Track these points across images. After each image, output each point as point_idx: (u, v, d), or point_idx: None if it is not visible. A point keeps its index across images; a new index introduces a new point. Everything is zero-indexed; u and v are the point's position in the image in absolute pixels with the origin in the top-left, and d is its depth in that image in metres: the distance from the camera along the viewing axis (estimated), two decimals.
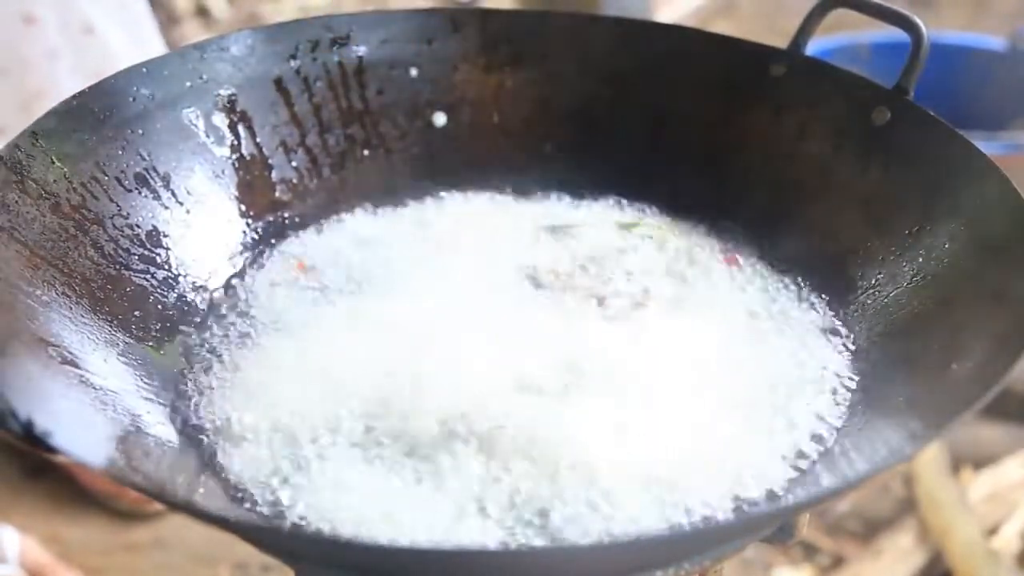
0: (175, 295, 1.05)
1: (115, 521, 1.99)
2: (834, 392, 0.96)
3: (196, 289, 1.06)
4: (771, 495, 0.87)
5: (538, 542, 0.82)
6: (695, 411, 0.92)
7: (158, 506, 1.97)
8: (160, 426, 0.92)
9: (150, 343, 1.00)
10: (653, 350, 0.98)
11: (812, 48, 1.14)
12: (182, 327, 1.03)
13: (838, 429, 0.93)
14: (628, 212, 1.17)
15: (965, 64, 2.54)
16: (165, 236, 1.07)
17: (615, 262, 1.09)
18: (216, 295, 1.07)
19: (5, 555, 1.76)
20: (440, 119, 1.21)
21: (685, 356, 0.98)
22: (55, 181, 0.99)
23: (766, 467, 0.89)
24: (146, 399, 0.94)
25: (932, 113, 1.05)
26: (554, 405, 0.91)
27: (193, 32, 3.22)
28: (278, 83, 1.17)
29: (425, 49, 1.21)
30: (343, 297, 1.06)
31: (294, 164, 1.17)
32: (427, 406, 0.90)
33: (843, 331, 1.02)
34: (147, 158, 1.08)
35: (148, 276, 1.04)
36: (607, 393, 0.92)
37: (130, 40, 1.96)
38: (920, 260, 1.00)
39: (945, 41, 2.55)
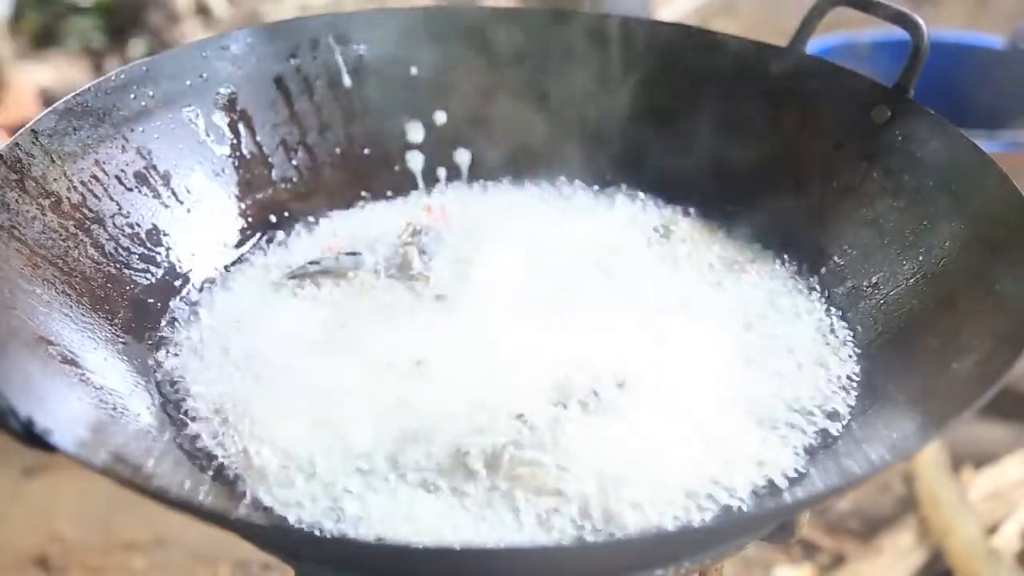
0: (175, 294, 1.05)
1: (114, 520, 1.99)
2: (835, 391, 0.96)
3: (197, 288, 1.06)
4: (775, 494, 0.87)
5: None
6: (707, 418, 0.92)
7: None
8: (160, 425, 0.92)
9: (150, 342, 1.00)
10: (668, 355, 0.98)
11: (812, 47, 1.14)
12: (182, 327, 1.03)
13: (839, 428, 0.93)
14: (630, 207, 1.17)
15: (965, 62, 2.53)
16: (165, 235, 1.07)
17: (623, 262, 1.09)
18: (217, 295, 1.06)
19: None
20: (440, 117, 1.21)
21: (697, 361, 0.98)
22: (55, 180, 0.99)
23: (771, 468, 0.89)
24: (145, 398, 0.94)
25: (933, 111, 1.05)
26: (579, 416, 0.91)
27: (193, 31, 3.22)
28: (278, 82, 1.17)
29: (425, 47, 1.21)
30: (346, 300, 1.06)
31: (295, 163, 1.17)
32: (445, 425, 0.90)
33: (845, 331, 1.02)
34: (147, 156, 1.08)
35: (148, 275, 1.04)
36: (626, 403, 0.93)
37: None
38: (920, 259, 1.00)
39: (945, 40, 2.54)
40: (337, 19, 1.20)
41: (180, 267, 1.06)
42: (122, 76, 1.08)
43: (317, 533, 0.82)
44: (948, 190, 1.01)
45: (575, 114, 1.21)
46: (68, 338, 0.91)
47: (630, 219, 1.16)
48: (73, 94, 1.04)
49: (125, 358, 0.95)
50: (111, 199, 1.03)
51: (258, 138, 1.15)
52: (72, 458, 0.73)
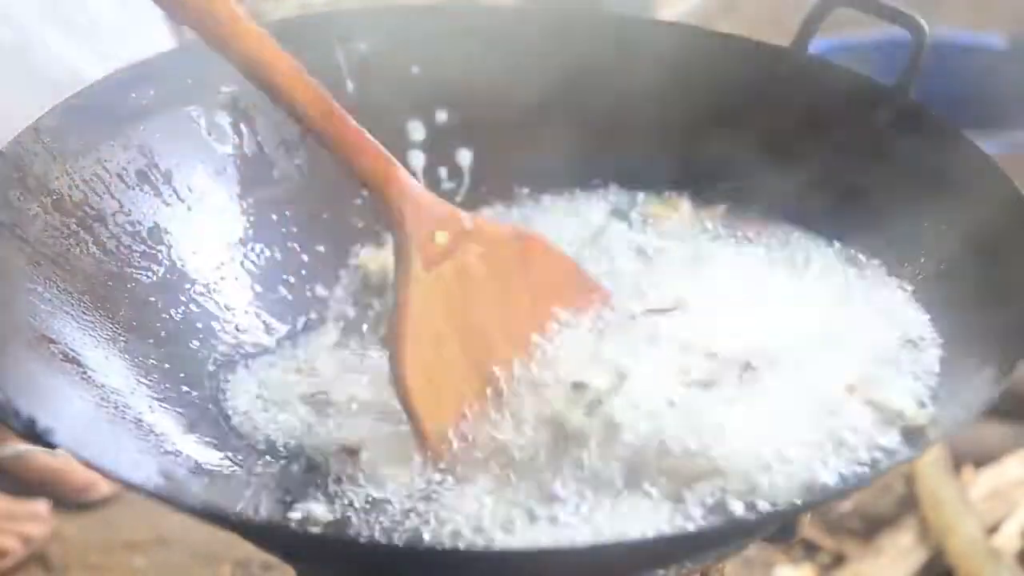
0: (177, 293, 1.05)
1: (115, 519, 1.99)
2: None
3: (198, 288, 1.06)
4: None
5: None
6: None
7: (101, 493, 1.98)
8: (160, 424, 0.92)
9: (151, 341, 1.00)
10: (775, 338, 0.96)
11: (814, 46, 1.14)
12: (182, 326, 1.03)
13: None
14: (634, 210, 1.17)
15: (966, 63, 2.54)
16: (167, 233, 1.07)
17: (633, 264, 1.09)
18: (218, 294, 1.06)
19: None
20: (442, 116, 1.21)
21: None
22: (57, 178, 0.99)
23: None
24: (146, 397, 0.94)
25: (933, 112, 1.05)
26: (706, 397, 0.90)
27: None
28: None
29: (427, 46, 1.21)
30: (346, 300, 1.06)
31: (296, 162, 1.17)
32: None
33: None
34: (149, 155, 1.08)
35: (150, 273, 1.04)
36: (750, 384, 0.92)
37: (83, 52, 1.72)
38: (920, 260, 1.00)
39: (946, 39, 2.54)
40: (338, 17, 1.20)
41: (182, 266, 1.06)
42: (124, 74, 1.08)
43: (316, 533, 0.82)
44: (948, 190, 1.01)
45: (577, 115, 1.21)
46: (69, 336, 0.91)
47: (632, 213, 1.16)
48: (75, 92, 1.04)
49: (126, 356, 0.96)
50: (112, 197, 1.03)
51: (259, 137, 1.15)
52: (74, 457, 0.73)
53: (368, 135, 0.87)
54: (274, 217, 1.14)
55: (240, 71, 0.86)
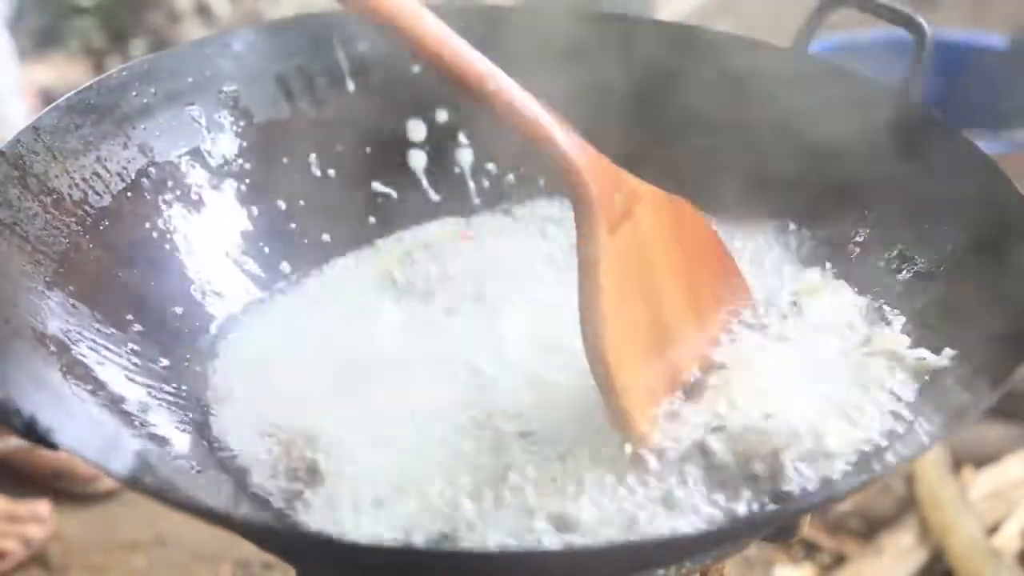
0: (177, 293, 1.05)
1: (115, 518, 1.99)
2: None
3: (198, 286, 1.06)
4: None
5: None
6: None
7: (107, 485, 1.98)
8: (161, 423, 0.92)
9: (151, 340, 1.00)
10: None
11: (815, 46, 1.14)
12: (183, 324, 1.03)
13: None
14: None
15: (967, 63, 2.54)
16: (168, 233, 1.06)
17: None
18: (218, 293, 1.06)
19: None
20: (442, 116, 1.21)
21: None
22: (56, 177, 0.99)
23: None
24: (148, 395, 0.94)
25: (934, 112, 1.05)
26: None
27: (194, 30, 3.22)
28: (280, 80, 1.17)
29: None
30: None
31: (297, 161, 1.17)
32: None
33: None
34: (149, 154, 1.08)
35: (151, 273, 1.03)
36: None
37: None
38: (921, 260, 1.00)
39: (947, 40, 2.54)
40: (339, 17, 1.20)
41: (182, 265, 1.06)
42: (124, 73, 1.08)
43: (316, 534, 0.82)
44: (949, 192, 1.01)
45: (576, 115, 1.20)
46: (70, 336, 0.91)
47: None
48: (75, 91, 1.03)
49: (127, 356, 0.95)
50: (113, 196, 1.03)
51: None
52: (75, 456, 0.73)
53: (538, 104, 0.83)
54: (275, 216, 1.14)
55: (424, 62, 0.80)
